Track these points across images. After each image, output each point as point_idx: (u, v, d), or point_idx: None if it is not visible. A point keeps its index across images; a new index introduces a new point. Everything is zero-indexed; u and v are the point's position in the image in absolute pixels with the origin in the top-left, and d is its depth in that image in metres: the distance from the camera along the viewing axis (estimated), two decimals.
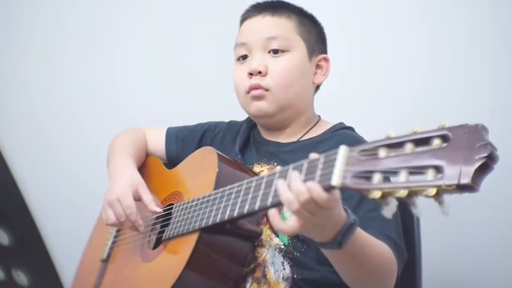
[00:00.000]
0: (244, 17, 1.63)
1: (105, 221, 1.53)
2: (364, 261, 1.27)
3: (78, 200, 2.23)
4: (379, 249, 1.30)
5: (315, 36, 1.60)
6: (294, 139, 1.58)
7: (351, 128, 1.59)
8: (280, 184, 1.14)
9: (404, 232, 1.43)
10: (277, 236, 1.43)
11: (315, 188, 1.09)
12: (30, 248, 0.92)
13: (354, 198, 1.34)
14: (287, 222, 1.15)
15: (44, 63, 2.32)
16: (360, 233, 1.23)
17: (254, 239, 1.42)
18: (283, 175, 1.18)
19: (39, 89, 2.32)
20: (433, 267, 1.78)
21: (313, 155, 1.14)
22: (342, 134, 1.55)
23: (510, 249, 1.88)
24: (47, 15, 2.33)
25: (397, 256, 1.34)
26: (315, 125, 1.60)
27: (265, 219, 1.44)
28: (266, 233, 1.43)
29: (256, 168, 1.54)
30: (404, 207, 1.00)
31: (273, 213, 1.16)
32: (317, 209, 1.10)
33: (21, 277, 0.93)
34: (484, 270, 1.90)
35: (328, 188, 1.08)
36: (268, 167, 1.53)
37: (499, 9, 1.94)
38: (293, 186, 1.12)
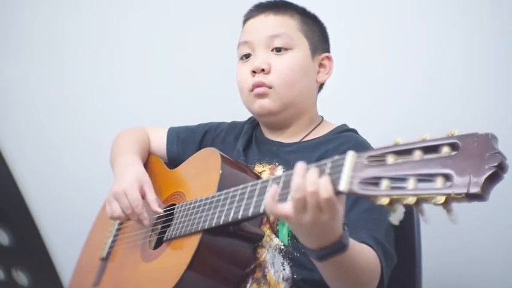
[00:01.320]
0: (248, 17, 1.63)
1: (110, 214, 1.53)
2: (347, 274, 1.26)
3: (78, 200, 2.23)
4: (364, 260, 1.28)
5: (317, 35, 1.61)
6: (297, 139, 1.58)
7: (354, 130, 1.59)
8: (299, 167, 1.12)
9: (404, 232, 1.43)
10: (277, 237, 1.43)
11: (324, 181, 1.08)
12: (30, 248, 0.92)
13: (350, 198, 1.34)
14: (284, 205, 1.13)
15: (44, 63, 2.32)
16: (350, 249, 1.19)
17: (256, 241, 1.42)
18: (289, 179, 1.17)
19: (39, 89, 2.32)
20: (433, 267, 1.78)
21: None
22: (346, 136, 1.55)
23: (510, 249, 1.88)
24: (47, 15, 2.33)
25: (383, 261, 1.33)
26: (317, 125, 1.60)
27: (265, 220, 1.44)
28: (266, 233, 1.43)
29: (258, 167, 1.54)
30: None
31: (273, 187, 1.15)
32: (315, 209, 1.09)
33: (21, 277, 0.93)
34: (484, 270, 1.90)
35: (336, 193, 1.08)
36: (269, 166, 1.53)
37: (499, 9, 1.94)
38: (308, 175, 1.11)
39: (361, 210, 1.35)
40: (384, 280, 1.34)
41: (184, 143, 1.73)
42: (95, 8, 2.36)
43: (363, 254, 1.29)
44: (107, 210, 1.54)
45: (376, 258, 1.32)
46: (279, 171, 1.51)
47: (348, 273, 1.26)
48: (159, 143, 1.75)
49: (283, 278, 1.41)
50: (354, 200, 1.35)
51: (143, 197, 1.51)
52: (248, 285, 1.41)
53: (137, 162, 1.62)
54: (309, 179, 1.10)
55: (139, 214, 1.49)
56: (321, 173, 1.11)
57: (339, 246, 1.16)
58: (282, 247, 1.42)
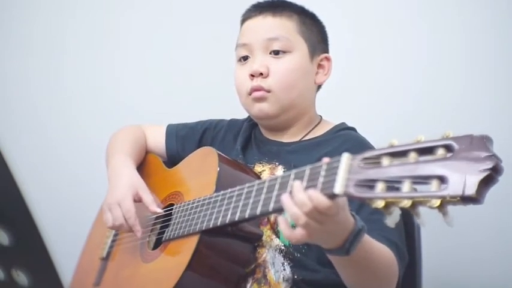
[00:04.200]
0: (245, 17, 1.62)
1: (105, 223, 1.53)
2: (367, 266, 1.27)
3: (78, 200, 2.23)
4: (382, 254, 1.30)
5: (316, 35, 1.60)
6: (296, 139, 1.58)
7: (352, 129, 1.59)
8: (285, 199, 1.13)
9: (404, 232, 1.43)
10: (278, 237, 1.43)
11: (316, 196, 1.08)
12: (30, 248, 0.92)
13: (355, 201, 1.34)
14: (296, 230, 1.13)
15: (44, 63, 2.32)
16: (366, 238, 1.22)
17: (255, 241, 1.42)
18: (285, 180, 1.17)
19: (39, 89, 2.32)
20: (433, 267, 1.78)
21: (325, 160, 1.12)
22: (346, 135, 1.54)
23: (510, 249, 1.88)
24: (47, 15, 2.33)
25: (398, 259, 1.34)
26: (317, 125, 1.60)
27: (265, 220, 1.44)
28: (266, 233, 1.43)
29: (258, 167, 1.54)
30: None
31: (282, 220, 1.15)
32: (323, 217, 1.10)
33: (21, 277, 0.93)
34: (484, 270, 1.90)
35: (331, 196, 1.08)
36: (269, 166, 1.53)
37: (499, 9, 1.94)
38: (295, 197, 1.11)
39: (368, 212, 1.33)
40: (399, 279, 1.35)
41: (184, 140, 1.72)
42: (95, 8, 2.36)
43: (381, 248, 1.30)
44: (103, 219, 1.54)
45: (392, 257, 1.32)
46: (279, 171, 1.50)
47: (369, 267, 1.27)
48: (158, 141, 1.75)
49: (283, 278, 1.41)
50: (359, 202, 1.35)
51: (139, 201, 1.51)
52: (248, 285, 1.41)
53: (129, 165, 1.61)
54: (298, 201, 1.10)
55: (132, 226, 1.48)
56: (313, 178, 1.11)
57: (358, 229, 1.17)
58: (283, 247, 1.42)
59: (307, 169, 1.14)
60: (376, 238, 1.30)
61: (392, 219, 0.99)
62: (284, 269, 1.42)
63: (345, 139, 1.52)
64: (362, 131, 1.58)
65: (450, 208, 0.94)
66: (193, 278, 1.34)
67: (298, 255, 1.42)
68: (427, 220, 0.97)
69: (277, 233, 1.43)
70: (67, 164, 2.31)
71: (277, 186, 1.19)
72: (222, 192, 1.35)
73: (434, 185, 0.94)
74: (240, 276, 1.40)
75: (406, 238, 1.43)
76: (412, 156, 0.98)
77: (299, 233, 1.12)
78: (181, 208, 1.46)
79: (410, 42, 2.08)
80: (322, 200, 1.08)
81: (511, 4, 1.93)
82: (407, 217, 1.48)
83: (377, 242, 1.29)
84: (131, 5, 2.40)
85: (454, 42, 2.00)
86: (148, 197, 1.51)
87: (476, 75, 1.96)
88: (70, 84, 2.34)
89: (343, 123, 1.60)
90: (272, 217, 1.43)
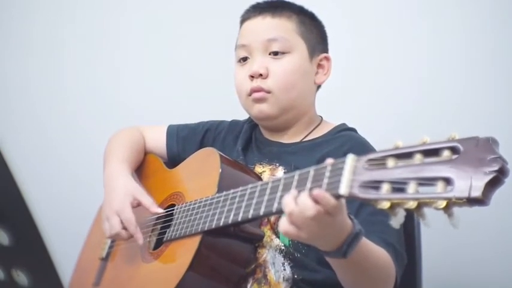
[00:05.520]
0: (244, 18, 1.62)
1: (105, 233, 1.53)
2: (365, 269, 1.27)
3: (78, 200, 2.23)
4: (379, 256, 1.30)
5: (315, 35, 1.60)
6: (297, 140, 1.58)
7: (353, 129, 1.58)
8: (286, 197, 1.13)
9: (404, 232, 1.43)
10: (278, 237, 1.43)
11: (322, 195, 1.08)
12: (30, 248, 0.92)
13: (355, 202, 1.34)
14: (290, 225, 1.13)
15: (44, 63, 2.32)
16: (364, 241, 1.22)
17: (256, 241, 1.42)
18: (289, 181, 1.17)
19: (39, 89, 2.32)
20: (433, 267, 1.78)
21: (330, 161, 1.12)
22: (346, 136, 1.54)
23: (510, 249, 1.88)
24: (46, 15, 2.33)
25: (395, 262, 1.34)
26: (317, 126, 1.60)
27: (265, 221, 1.44)
28: (267, 234, 1.43)
29: (258, 168, 1.54)
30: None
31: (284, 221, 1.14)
32: (324, 217, 1.09)
33: (21, 277, 0.93)
34: (484, 270, 1.90)
35: (336, 197, 1.08)
36: (270, 167, 1.53)
37: (499, 9, 1.94)
38: (299, 197, 1.10)
39: (367, 213, 1.34)
40: (397, 282, 1.35)
41: (185, 141, 1.72)
42: (95, 8, 2.36)
43: (378, 251, 1.30)
44: (103, 229, 1.53)
45: (390, 260, 1.32)
46: (280, 172, 1.50)
47: (366, 269, 1.27)
48: (158, 141, 1.74)
49: (283, 278, 1.41)
50: (360, 203, 1.34)
51: (139, 205, 1.51)
52: (249, 285, 1.41)
53: (125, 172, 1.59)
54: (301, 203, 1.09)
55: (133, 234, 1.48)
56: (317, 179, 1.11)
57: (355, 233, 1.17)
58: (283, 247, 1.42)
59: (311, 170, 1.14)
60: (374, 240, 1.29)
61: (397, 220, 0.99)
62: (284, 269, 1.42)
63: (346, 140, 1.52)
64: (362, 131, 1.58)
65: (455, 209, 0.94)
66: (195, 278, 1.34)
67: (298, 255, 1.42)
68: (428, 219, 0.98)
69: (277, 233, 1.43)
70: (67, 164, 2.31)
71: (280, 187, 1.19)
72: (224, 192, 1.35)
73: (439, 186, 0.94)
74: (241, 277, 1.40)
75: (406, 238, 1.43)
76: (418, 157, 0.98)
77: (291, 228, 1.12)
78: (182, 209, 1.45)
79: (410, 42, 2.08)
80: (330, 200, 1.08)
81: (511, 4, 1.93)
82: (407, 218, 1.49)
83: (374, 245, 1.29)
84: (131, 5, 2.40)
85: (454, 42, 2.00)
86: (147, 200, 1.51)
87: (476, 76, 1.96)
88: (70, 84, 2.34)
89: (344, 124, 1.59)
90: (272, 217, 1.43)
